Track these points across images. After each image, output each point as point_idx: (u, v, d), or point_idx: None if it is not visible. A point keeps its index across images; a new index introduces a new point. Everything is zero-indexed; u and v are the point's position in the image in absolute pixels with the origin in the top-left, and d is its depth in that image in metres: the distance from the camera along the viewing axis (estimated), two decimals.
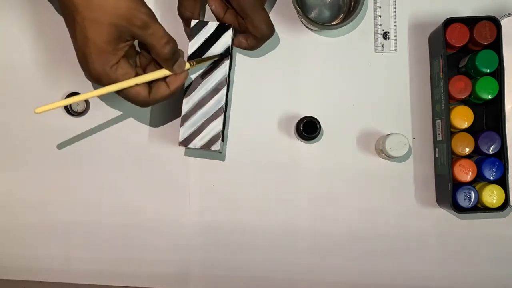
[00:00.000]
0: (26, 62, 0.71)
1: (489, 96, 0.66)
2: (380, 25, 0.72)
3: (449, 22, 0.67)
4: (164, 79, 0.61)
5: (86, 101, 0.70)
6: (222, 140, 0.67)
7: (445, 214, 0.71)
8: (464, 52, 0.69)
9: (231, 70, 0.70)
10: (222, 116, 0.66)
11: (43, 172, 0.71)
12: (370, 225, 0.71)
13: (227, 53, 0.66)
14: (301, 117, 0.69)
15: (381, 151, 0.69)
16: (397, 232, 0.71)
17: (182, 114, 0.66)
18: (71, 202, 0.71)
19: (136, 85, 0.59)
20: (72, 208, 0.71)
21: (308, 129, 0.68)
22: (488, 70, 0.66)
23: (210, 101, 0.66)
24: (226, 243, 0.71)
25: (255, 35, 0.66)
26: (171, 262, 0.71)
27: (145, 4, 0.57)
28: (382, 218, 0.71)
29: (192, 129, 0.66)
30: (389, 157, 0.68)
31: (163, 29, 0.58)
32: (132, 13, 0.56)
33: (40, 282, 0.71)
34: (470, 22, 0.67)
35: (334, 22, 0.71)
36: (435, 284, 0.71)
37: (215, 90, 0.66)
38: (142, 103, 0.61)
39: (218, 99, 0.66)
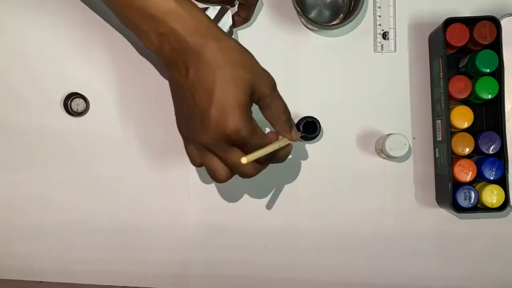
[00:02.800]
0: (27, 61, 0.71)
1: (489, 96, 0.66)
2: (380, 25, 0.72)
3: (449, 22, 0.67)
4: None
5: (86, 101, 0.70)
6: None
7: (445, 214, 0.71)
8: (464, 52, 0.69)
9: None
10: None
11: (43, 172, 0.71)
12: (370, 225, 0.71)
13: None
14: (301, 117, 0.69)
15: (381, 151, 0.69)
16: (397, 232, 0.71)
17: None
18: (71, 202, 0.71)
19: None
20: (72, 208, 0.71)
21: (308, 129, 0.68)
22: (488, 70, 0.66)
23: None
24: (226, 243, 0.71)
25: (242, 2, 0.66)
26: (171, 262, 0.71)
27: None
28: (382, 218, 0.71)
29: None
30: (389, 157, 0.68)
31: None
32: (264, 73, 0.55)
33: (40, 282, 0.71)
34: (470, 22, 0.67)
35: (334, 22, 0.71)
36: (435, 284, 0.71)
37: None
38: (251, 176, 0.58)
39: None
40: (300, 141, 0.61)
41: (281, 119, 0.58)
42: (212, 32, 0.53)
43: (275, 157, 0.59)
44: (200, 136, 0.54)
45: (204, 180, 0.71)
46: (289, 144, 0.59)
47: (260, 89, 0.55)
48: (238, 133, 0.52)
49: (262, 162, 0.57)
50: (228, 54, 0.53)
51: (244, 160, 0.52)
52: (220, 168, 0.56)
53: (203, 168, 0.72)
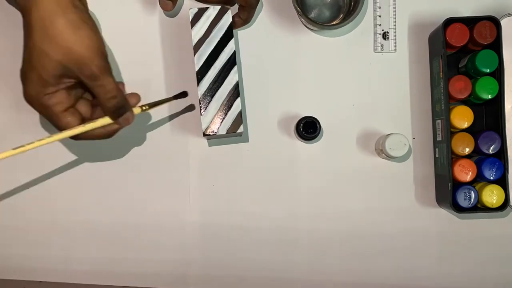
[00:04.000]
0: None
1: (489, 96, 0.66)
2: (380, 25, 0.72)
3: (449, 22, 0.67)
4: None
5: None
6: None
7: (445, 214, 0.71)
8: (464, 52, 0.69)
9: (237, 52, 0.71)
10: (239, 98, 0.65)
11: (43, 172, 0.71)
12: (370, 225, 0.71)
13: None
14: (301, 117, 0.69)
15: (381, 151, 0.69)
16: (397, 232, 0.71)
17: (199, 100, 0.65)
18: (71, 202, 0.71)
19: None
20: (72, 208, 0.71)
21: (308, 129, 0.68)
22: (488, 70, 0.66)
23: (223, 84, 0.66)
24: (226, 243, 0.71)
25: (242, 4, 0.66)
26: (171, 262, 0.71)
27: (102, 57, 0.55)
28: (382, 218, 0.71)
29: (213, 117, 0.65)
30: (389, 157, 0.68)
31: (113, 83, 0.56)
32: (84, 62, 0.53)
33: (40, 282, 0.71)
34: (470, 22, 0.67)
35: (334, 22, 0.71)
36: (435, 284, 0.71)
37: (225, 71, 0.66)
38: (72, 137, 0.58)
39: (230, 80, 0.66)
40: (141, 112, 0.62)
41: (102, 108, 0.57)
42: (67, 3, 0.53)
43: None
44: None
45: (204, 180, 0.71)
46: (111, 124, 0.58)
47: (75, 73, 0.54)
48: (30, 102, 0.55)
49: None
50: (55, 29, 0.52)
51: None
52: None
53: (203, 168, 0.72)
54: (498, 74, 0.67)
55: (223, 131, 0.65)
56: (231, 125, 0.65)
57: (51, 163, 0.71)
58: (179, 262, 0.71)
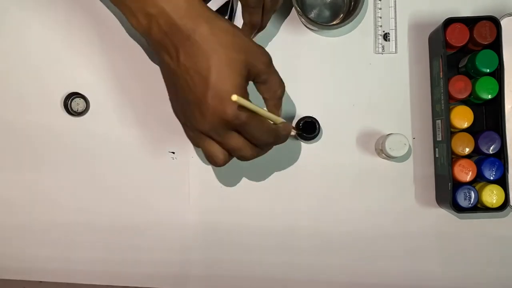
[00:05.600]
0: (27, 61, 0.71)
1: (489, 96, 0.66)
2: (381, 26, 0.72)
3: (449, 22, 0.67)
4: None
5: (86, 101, 0.70)
6: None
7: (445, 214, 0.71)
8: (464, 52, 0.69)
9: None
10: None
11: (43, 172, 0.71)
12: (370, 225, 0.71)
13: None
14: (301, 117, 0.69)
15: (381, 151, 0.69)
16: (397, 232, 0.71)
17: None
18: (71, 202, 0.71)
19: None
20: (72, 208, 0.71)
21: (308, 129, 0.68)
22: (488, 70, 0.66)
23: None
24: (226, 243, 0.71)
25: (242, 4, 0.62)
26: (171, 262, 0.71)
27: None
28: (382, 218, 0.71)
29: None
30: (389, 157, 0.68)
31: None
32: (261, 51, 0.54)
33: (40, 282, 0.71)
34: (470, 22, 0.67)
35: (334, 22, 0.71)
36: (435, 284, 0.71)
37: None
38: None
39: None
40: (297, 138, 0.62)
41: (276, 93, 0.58)
42: (203, 14, 0.52)
43: (275, 137, 0.58)
44: (198, 123, 0.53)
45: (204, 180, 0.71)
46: (286, 122, 0.59)
47: (256, 67, 0.54)
48: (237, 118, 0.52)
49: (262, 146, 0.57)
50: (220, 37, 0.51)
51: (234, 97, 0.49)
52: (218, 152, 0.56)
53: (203, 168, 0.72)
54: (498, 74, 0.66)
55: None
56: None
57: (51, 163, 0.71)
58: (179, 262, 0.71)
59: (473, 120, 0.67)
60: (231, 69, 0.51)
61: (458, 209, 0.66)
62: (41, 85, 0.71)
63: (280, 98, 0.59)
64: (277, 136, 0.58)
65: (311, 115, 0.69)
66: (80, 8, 0.70)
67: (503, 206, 0.66)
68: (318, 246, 0.71)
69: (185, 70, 0.52)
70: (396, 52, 0.72)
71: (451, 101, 0.67)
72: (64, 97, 0.70)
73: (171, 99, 0.57)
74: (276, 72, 0.57)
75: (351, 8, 0.70)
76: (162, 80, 0.68)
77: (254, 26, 0.63)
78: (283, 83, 0.58)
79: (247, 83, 0.55)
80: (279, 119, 0.59)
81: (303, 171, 0.71)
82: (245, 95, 0.53)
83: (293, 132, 0.63)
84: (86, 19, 0.70)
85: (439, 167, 0.69)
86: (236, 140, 0.54)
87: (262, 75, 0.55)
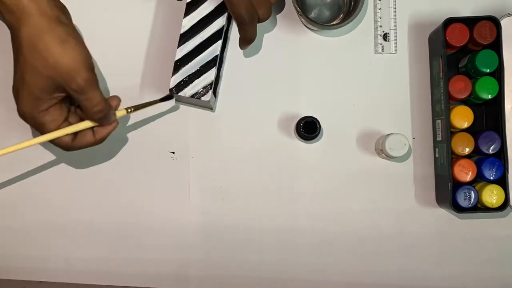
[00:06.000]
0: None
1: (489, 96, 0.66)
2: (381, 26, 0.72)
3: (449, 22, 0.67)
4: (91, 127, 0.60)
5: None
6: (214, 94, 0.67)
7: (445, 214, 0.71)
8: (464, 52, 0.69)
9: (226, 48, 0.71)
10: (215, 68, 0.66)
11: (43, 172, 0.71)
12: (370, 225, 0.71)
13: (176, 90, 0.66)
14: (301, 117, 0.69)
15: (381, 151, 0.69)
16: (397, 232, 0.71)
17: (175, 60, 0.66)
18: (71, 202, 0.71)
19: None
20: (72, 208, 0.71)
21: (308, 129, 0.68)
22: (488, 70, 0.66)
23: (203, 53, 0.66)
24: (226, 243, 0.71)
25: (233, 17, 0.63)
26: (171, 262, 0.71)
27: (89, 69, 0.56)
28: (382, 218, 0.71)
29: (184, 77, 0.66)
30: (389, 157, 0.68)
31: (100, 95, 0.57)
32: (71, 75, 0.54)
33: (40, 282, 0.71)
34: (470, 22, 0.67)
35: (334, 22, 0.71)
36: (435, 284, 0.71)
37: (208, 42, 0.66)
38: (65, 148, 0.60)
39: (211, 51, 0.66)
40: (127, 115, 0.64)
41: (88, 118, 0.59)
42: (37, 13, 0.54)
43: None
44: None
45: (204, 180, 0.71)
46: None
47: (65, 88, 0.55)
48: (24, 118, 0.57)
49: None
50: (37, 44, 0.54)
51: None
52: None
53: (203, 168, 0.72)
54: (498, 74, 0.66)
55: (189, 93, 0.65)
56: (199, 90, 0.65)
57: (51, 163, 0.71)
58: (179, 262, 0.71)
59: (473, 120, 0.67)
60: (37, 77, 0.54)
61: (458, 209, 0.66)
62: None
63: (98, 121, 0.59)
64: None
65: (311, 115, 0.68)
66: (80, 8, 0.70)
67: (503, 206, 0.66)
68: (318, 246, 0.71)
69: (15, 64, 0.57)
70: (395, 52, 0.72)
71: (451, 101, 0.67)
72: None
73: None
74: (89, 100, 0.56)
75: (351, 8, 0.70)
76: (154, 80, 0.68)
77: (250, 41, 0.65)
78: (101, 112, 0.58)
79: (59, 92, 0.56)
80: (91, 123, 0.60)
81: (303, 171, 0.71)
82: (50, 100, 0.56)
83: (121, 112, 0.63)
84: (86, 20, 0.70)
85: (439, 167, 0.69)
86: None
87: (72, 96, 0.57)
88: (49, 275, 0.71)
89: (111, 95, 0.62)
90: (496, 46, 0.66)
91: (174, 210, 0.71)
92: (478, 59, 0.66)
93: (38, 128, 0.58)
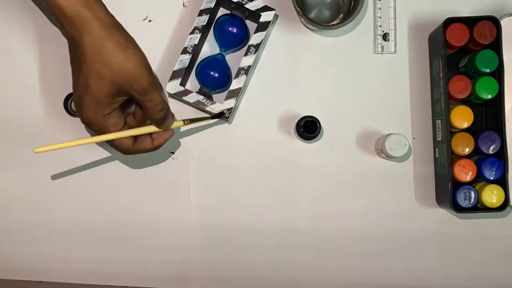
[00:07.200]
0: (28, 62, 0.71)
1: (489, 96, 0.66)
2: (380, 26, 0.72)
3: (449, 22, 0.67)
4: (150, 133, 0.63)
5: None
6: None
7: (445, 214, 0.71)
8: (464, 52, 0.69)
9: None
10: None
11: (43, 172, 0.71)
12: (370, 225, 0.71)
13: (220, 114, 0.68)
14: (301, 117, 0.69)
15: (381, 151, 0.69)
16: (397, 232, 0.71)
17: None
18: (71, 202, 0.71)
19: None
20: (72, 208, 0.71)
21: (308, 128, 0.68)
22: (488, 70, 0.66)
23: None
24: (226, 243, 0.71)
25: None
26: (171, 262, 0.71)
27: (150, 72, 0.58)
28: (382, 218, 0.71)
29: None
30: (389, 157, 0.68)
31: (161, 96, 0.60)
32: (135, 79, 0.57)
33: (40, 282, 0.71)
34: (470, 22, 0.67)
35: (334, 22, 0.71)
36: (435, 284, 0.71)
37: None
38: (125, 152, 0.62)
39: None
40: (182, 126, 0.65)
41: (150, 119, 0.61)
42: (96, 22, 0.56)
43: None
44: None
45: (204, 180, 0.71)
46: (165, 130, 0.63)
47: (128, 91, 0.58)
48: (89, 124, 0.59)
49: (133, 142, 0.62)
50: (102, 51, 0.56)
51: (36, 150, 0.59)
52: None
53: (202, 168, 0.72)
54: (498, 74, 0.66)
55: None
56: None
57: (51, 164, 0.71)
58: (179, 262, 0.71)
59: (473, 120, 0.67)
60: (101, 83, 0.56)
61: (458, 209, 0.66)
62: (42, 85, 0.71)
63: (158, 123, 0.61)
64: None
65: (311, 115, 0.68)
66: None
67: (503, 206, 0.66)
68: (318, 245, 0.71)
69: (75, 75, 0.59)
70: (395, 52, 0.72)
71: (451, 101, 0.67)
72: (65, 97, 0.70)
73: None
74: (152, 101, 0.59)
75: (351, 8, 0.70)
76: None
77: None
78: (163, 111, 0.60)
79: (120, 96, 0.59)
80: (153, 128, 0.62)
81: (303, 171, 0.71)
82: (112, 104, 0.58)
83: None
84: None
85: (439, 167, 0.69)
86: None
87: (135, 99, 0.59)
88: (48, 275, 0.71)
89: None
90: (496, 46, 0.66)
91: (174, 210, 0.71)
92: (478, 59, 0.66)
93: (102, 132, 0.60)
